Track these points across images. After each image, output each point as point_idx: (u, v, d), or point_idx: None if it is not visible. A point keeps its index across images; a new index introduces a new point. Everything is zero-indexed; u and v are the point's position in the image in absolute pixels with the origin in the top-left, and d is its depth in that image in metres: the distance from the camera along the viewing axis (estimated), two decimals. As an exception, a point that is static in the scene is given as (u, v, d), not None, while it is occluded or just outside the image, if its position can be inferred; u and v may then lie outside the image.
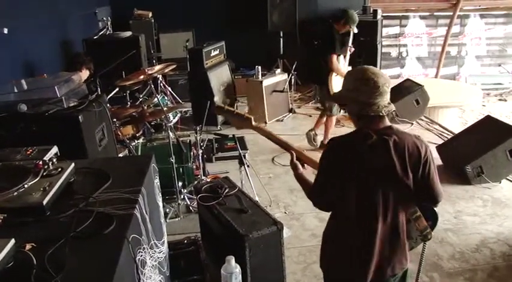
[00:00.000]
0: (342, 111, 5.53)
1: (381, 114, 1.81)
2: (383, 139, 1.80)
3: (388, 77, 1.87)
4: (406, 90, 6.47)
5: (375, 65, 7.25)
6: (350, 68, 5.30)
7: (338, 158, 1.84)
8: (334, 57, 5.03)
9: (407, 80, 6.98)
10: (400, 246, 1.94)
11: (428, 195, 1.92)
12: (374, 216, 1.85)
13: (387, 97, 1.84)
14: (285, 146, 2.19)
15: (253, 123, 2.24)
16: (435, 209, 2.04)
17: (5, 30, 3.29)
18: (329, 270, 2.08)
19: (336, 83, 5.17)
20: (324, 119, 5.71)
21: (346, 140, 1.88)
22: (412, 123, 6.36)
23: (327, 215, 2.03)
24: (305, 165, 2.13)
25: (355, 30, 5.19)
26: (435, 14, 8.93)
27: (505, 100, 7.84)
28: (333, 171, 1.86)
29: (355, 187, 1.83)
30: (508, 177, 4.67)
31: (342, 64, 5.25)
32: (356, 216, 1.86)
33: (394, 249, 1.93)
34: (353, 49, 5.41)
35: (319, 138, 5.70)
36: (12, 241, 1.40)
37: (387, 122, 1.87)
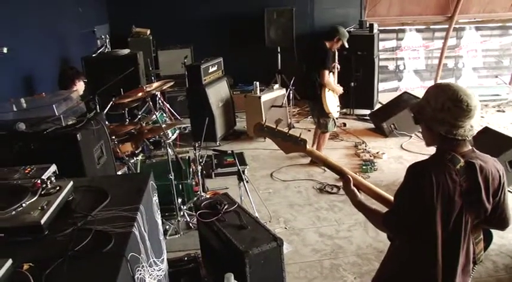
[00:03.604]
0: (335, 127, 5.62)
1: (466, 138, 1.74)
2: (470, 163, 1.73)
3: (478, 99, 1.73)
4: (404, 103, 6.48)
5: (373, 79, 7.31)
6: (339, 86, 5.40)
7: (427, 184, 1.69)
8: (326, 72, 5.12)
9: (405, 93, 7.02)
10: (468, 273, 1.87)
11: (500, 219, 1.87)
12: (458, 243, 1.78)
13: (474, 120, 1.73)
14: (340, 171, 2.04)
15: (308, 146, 2.06)
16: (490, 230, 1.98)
17: (5, 50, 3.30)
18: None
19: (329, 99, 5.23)
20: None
21: (433, 165, 1.76)
22: (411, 136, 6.37)
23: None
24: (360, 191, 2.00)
25: (346, 45, 5.36)
26: (431, 27, 9.02)
27: (503, 111, 7.85)
28: (421, 198, 1.71)
29: (441, 213, 1.72)
30: (508, 189, 4.64)
31: (332, 81, 5.33)
32: (440, 244, 1.76)
33: (465, 276, 1.86)
34: (339, 67, 5.49)
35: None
36: (10, 261, 1.39)
37: (469, 145, 1.79)
